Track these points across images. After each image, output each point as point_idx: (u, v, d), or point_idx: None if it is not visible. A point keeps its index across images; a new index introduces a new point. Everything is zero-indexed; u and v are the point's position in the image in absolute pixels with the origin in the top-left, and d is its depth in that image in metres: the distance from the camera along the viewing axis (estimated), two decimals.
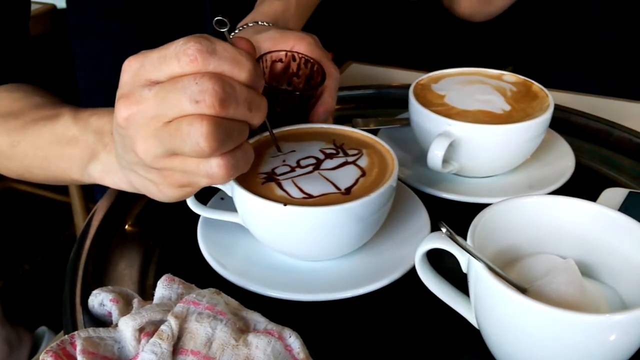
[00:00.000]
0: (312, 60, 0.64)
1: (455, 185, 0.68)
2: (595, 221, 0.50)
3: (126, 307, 0.47)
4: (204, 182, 0.49)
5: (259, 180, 0.55)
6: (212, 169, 0.46)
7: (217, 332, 0.42)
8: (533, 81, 0.71)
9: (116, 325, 0.44)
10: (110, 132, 0.54)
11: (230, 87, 0.44)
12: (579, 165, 0.69)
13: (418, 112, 0.67)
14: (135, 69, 0.46)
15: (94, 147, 0.56)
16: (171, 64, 0.44)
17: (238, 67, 0.45)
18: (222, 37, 0.48)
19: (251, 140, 0.59)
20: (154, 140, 0.46)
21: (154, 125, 0.45)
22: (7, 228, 2.12)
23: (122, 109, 0.46)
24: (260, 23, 0.72)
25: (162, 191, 0.51)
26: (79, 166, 0.58)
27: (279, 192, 0.53)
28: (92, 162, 0.57)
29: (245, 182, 0.54)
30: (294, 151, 0.59)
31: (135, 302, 0.47)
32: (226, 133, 0.45)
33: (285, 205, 0.50)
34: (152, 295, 0.47)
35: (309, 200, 0.52)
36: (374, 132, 0.67)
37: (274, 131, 0.61)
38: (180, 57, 0.43)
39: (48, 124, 0.59)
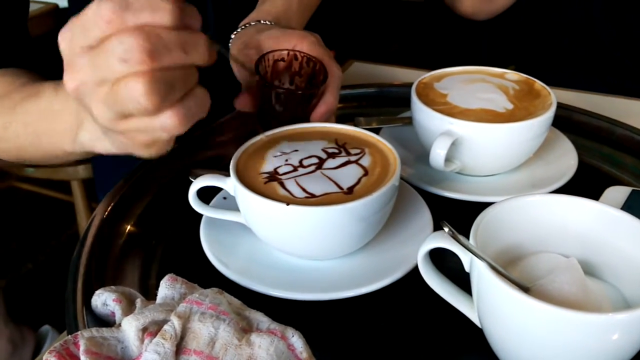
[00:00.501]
0: (314, 59, 0.64)
1: (457, 184, 0.68)
2: (598, 220, 0.50)
3: (129, 307, 0.47)
4: (164, 137, 0.48)
5: (262, 179, 0.55)
6: (165, 122, 0.46)
7: (220, 332, 0.42)
8: (535, 79, 0.71)
9: (119, 325, 0.44)
10: None
11: (155, 36, 0.43)
12: (581, 164, 0.69)
13: (420, 111, 0.67)
14: (69, 39, 0.45)
15: (78, 116, 0.56)
16: (93, 30, 0.43)
17: (159, 13, 0.43)
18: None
19: (252, 141, 0.59)
20: (103, 106, 0.46)
21: (102, 91, 0.45)
22: (10, 227, 2.13)
23: (68, 81, 0.46)
24: (262, 22, 0.72)
25: (136, 151, 0.51)
26: (70, 137, 0.58)
27: (282, 191, 0.53)
28: (80, 131, 0.57)
29: (248, 181, 0.54)
30: (296, 150, 0.58)
31: (138, 302, 0.47)
32: (167, 84, 0.44)
33: (287, 204, 0.50)
34: (155, 295, 0.47)
35: (311, 199, 0.52)
36: (376, 131, 0.67)
37: (275, 131, 0.61)
38: (97, 21, 0.43)
39: (33, 100, 0.60)
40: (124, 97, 0.43)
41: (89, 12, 0.43)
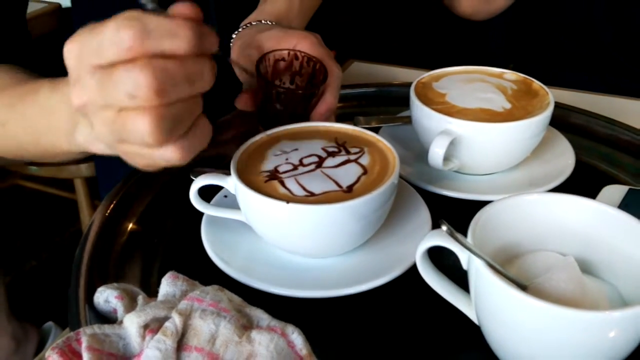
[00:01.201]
0: (314, 59, 0.64)
1: (456, 182, 0.68)
2: (595, 218, 0.50)
3: (131, 304, 0.47)
4: (163, 164, 0.48)
5: (262, 178, 0.55)
6: (166, 155, 0.45)
7: (221, 329, 0.43)
8: (533, 79, 0.72)
9: (121, 322, 0.44)
10: None
11: (163, 71, 0.42)
12: (579, 163, 0.69)
13: (419, 110, 0.67)
14: (76, 54, 0.44)
15: (74, 117, 0.55)
16: (108, 51, 0.42)
17: (177, 40, 0.42)
18: None
19: (252, 140, 0.60)
20: (107, 129, 0.45)
21: (107, 114, 0.44)
22: (14, 225, 2.13)
23: (74, 98, 0.45)
24: (263, 22, 0.73)
25: (133, 165, 0.51)
26: (65, 135, 0.57)
27: (282, 190, 0.53)
28: (75, 131, 0.56)
29: (248, 180, 0.54)
30: (296, 149, 0.59)
31: (140, 299, 0.47)
32: (173, 121, 0.43)
33: (287, 203, 0.51)
34: (157, 292, 0.48)
35: (311, 198, 0.53)
36: (376, 130, 0.68)
37: (275, 130, 0.61)
38: (115, 45, 0.41)
39: (32, 97, 0.59)
40: (128, 129, 0.43)
41: (107, 32, 0.42)
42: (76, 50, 0.44)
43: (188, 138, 0.46)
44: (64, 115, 0.56)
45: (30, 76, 0.64)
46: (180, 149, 0.45)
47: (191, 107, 0.46)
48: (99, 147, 0.55)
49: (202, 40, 0.44)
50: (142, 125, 0.42)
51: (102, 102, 0.44)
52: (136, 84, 0.41)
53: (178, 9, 0.45)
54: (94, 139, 0.54)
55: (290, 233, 0.54)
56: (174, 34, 0.42)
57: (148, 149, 0.45)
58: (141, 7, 0.44)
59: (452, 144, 0.64)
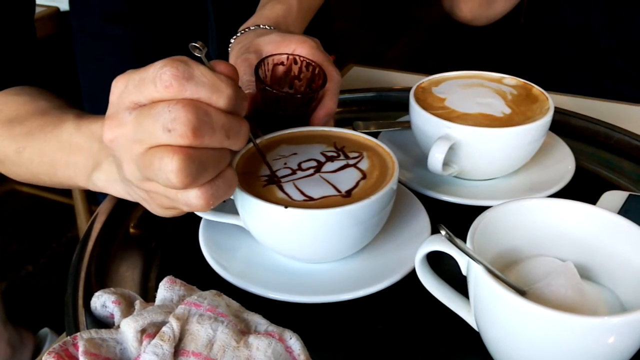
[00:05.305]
0: (313, 64, 0.64)
1: (455, 187, 0.68)
2: (594, 224, 0.50)
3: (128, 309, 0.47)
4: (185, 209, 0.49)
5: (260, 182, 0.55)
6: (189, 200, 0.46)
7: (218, 334, 0.43)
8: (533, 84, 0.72)
9: (118, 326, 0.44)
10: None
11: (205, 114, 0.43)
12: (579, 168, 0.69)
13: (419, 115, 0.67)
14: (121, 90, 0.45)
15: (97, 156, 0.56)
16: (149, 88, 0.43)
17: (216, 93, 0.44)
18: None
19: (250, 145, 0.60)
20: (134, 165, 0.46)
21: (136, 150, 0.45)
22: (11, 230, 2.13)
23: (107, 131, 0.46)
24: (262, 26, 0.73)
25: (152, 209, 0.52)
26: (84, 174, 0.58)
27: (280, 194, 0.53)
28: (96, 171, 0.57)
29: (247, 184, 0.54)
30: (295, 154, 0.59)
31: (137, 303, 0.47)
32: (201, 165, 0.44)
33: (286, 207, 0.51)
34: (154, 297, 0.48)
35: (309, 202, 0.52)
36: (375, 135, 0.68)
37: (274, 134, 0.61)
38: (156, 81, 0.43)
39: (53, 130, 0.59)
40: (155, 167, 0.43)
41: (151, 69, 0.43)
42: (121, 87, 0.45)
43: (213, 186, 0.46)
44: (86, 154, 0.57)
45: (52, 102, 0.64)
46: (204, 195, 0.46)
47: (219, 158, 0.46)
48: (118, 190, 0.56)
49: (237, 99, 0.45)
50: (170, 164, 0.42)
51: (134, 136, 0.44)
52: (175, 117, 0.42)
53: (220, 66, 0.46)
54: (114, 180, 0.55)
55: (288, 238, 0.54)
56: (216, 87, 0.44)
57: (172, 189, 0.45)
58: (191, 52, 0.46)
59: (452, 149, 0.63)
